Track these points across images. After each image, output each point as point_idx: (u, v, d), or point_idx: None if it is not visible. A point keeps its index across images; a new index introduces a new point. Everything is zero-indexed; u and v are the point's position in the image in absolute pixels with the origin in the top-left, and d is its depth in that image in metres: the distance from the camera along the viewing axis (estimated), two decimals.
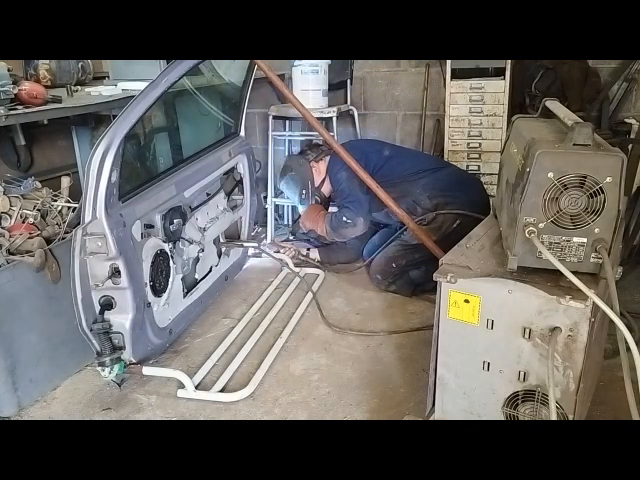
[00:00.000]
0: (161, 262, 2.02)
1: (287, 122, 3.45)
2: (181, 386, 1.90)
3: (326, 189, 2.89)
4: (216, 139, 2.63)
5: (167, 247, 2.05)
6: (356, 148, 2.65)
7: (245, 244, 2.77)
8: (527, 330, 1.26)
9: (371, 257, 2.69)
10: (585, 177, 1.17)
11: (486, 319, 1.31)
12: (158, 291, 2.02)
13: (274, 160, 3.28)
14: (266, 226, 3.28)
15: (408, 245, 2.56)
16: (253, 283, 2.76)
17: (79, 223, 1.72)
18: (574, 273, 1.17)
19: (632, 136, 2.68)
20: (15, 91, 2.00)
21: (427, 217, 2.52)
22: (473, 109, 2.96)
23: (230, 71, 2.73)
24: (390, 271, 2.56)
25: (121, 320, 1.82)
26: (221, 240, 2.63)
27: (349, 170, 2.55)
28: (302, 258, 2.92)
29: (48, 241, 1.93)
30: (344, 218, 2.65)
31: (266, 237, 3.28)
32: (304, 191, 2.84)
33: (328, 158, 2.83)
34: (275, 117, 3.19)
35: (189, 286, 2.31)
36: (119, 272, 1.77)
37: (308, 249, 2.99)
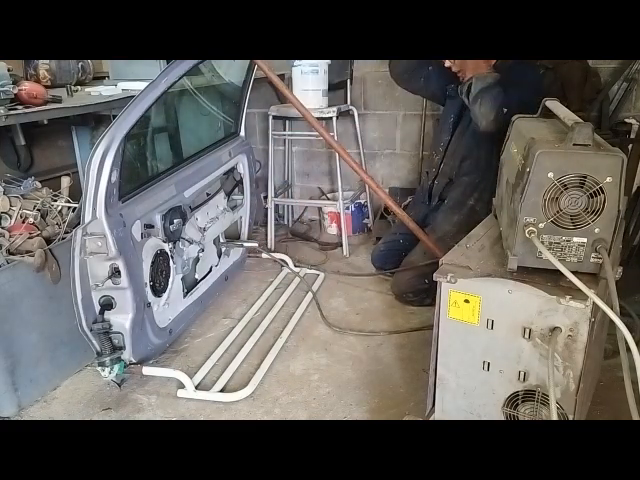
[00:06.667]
0: (161, 262, 2.02)
1: (287, 122, 3.44)
2: (181, 386, 1.90)
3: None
4: (216, 139, 2.62)
5: (167, 247, 2.05)
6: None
7: (245, 244, 2.78)
8: (527, 330, 1.26)
9: (385, 268, 2.67)
10: (585, 177, 1.17)
11: (486, 319, 1.31)
12: (158, 291, 2.02)
13: (274, 160, 3.28)
14: (266, 226, 3.28)
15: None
16: (253, 283, 2.76)
17: (79, 223, 1.72)
18: (574, 273, 1.17)
19: (632, 136, 2.68)
20: (15, 91, 1.99)
21: None
22: None
23: (230, 71, 2.72)
24: (423, 288, 2.44)
25: (121, 320, 1.83)
26: (221, 240, 2.63)
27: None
28: None
29: (48, 241, 1.93)
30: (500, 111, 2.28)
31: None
32: None
33: None
34: (275, 117, 3.18)
35: (189, 286, 2.31)
36: (119, 272, 1.77)
37: None
